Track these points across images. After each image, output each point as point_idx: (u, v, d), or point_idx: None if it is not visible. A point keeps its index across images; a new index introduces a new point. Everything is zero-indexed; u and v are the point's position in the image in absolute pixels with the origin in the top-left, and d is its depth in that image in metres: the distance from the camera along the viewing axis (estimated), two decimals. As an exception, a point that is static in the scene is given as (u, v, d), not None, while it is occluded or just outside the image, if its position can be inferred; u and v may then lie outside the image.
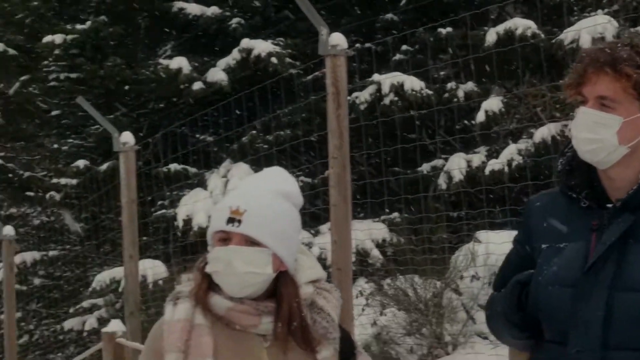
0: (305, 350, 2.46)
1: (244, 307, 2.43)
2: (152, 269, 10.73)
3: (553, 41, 10.09)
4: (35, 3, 14.31)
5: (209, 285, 2.46)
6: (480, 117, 10.58)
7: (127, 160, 7.62)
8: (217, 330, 2.45)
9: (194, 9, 13.22)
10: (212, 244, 2.47)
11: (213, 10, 13.15)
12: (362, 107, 10.92)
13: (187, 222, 11.09)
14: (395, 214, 11.19)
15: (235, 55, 12.30)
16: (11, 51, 15.30)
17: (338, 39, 4.97)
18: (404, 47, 12.10)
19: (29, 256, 14.36)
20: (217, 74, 12.42)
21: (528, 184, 7.65)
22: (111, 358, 6.83)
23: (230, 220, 2.40)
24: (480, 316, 8.77)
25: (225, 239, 2.42)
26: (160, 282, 10.93)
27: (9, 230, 10.86)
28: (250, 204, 2.44)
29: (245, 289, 2.42)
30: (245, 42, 12.18)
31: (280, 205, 2.49)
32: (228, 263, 2.39)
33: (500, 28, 10.87)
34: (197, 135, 12.77)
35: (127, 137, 7.77)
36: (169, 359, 2.42)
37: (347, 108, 4.95)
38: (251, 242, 2.42)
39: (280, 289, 2.46)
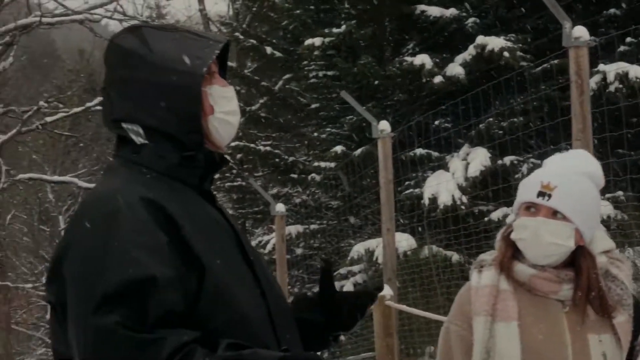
0: (602, 316, 2.44)
1: (546, 274, 2.44)
2: (407, 241, 11.15)
3: None
4: (298, 12, 15.10)
5: (512, 253, 2.50)
6: None
7: (385, 146, 7.94)
8: (520, 295, 2.46)
9: (434, 11, 13.50)
10: (518, 213, 2.52)
11: (451, 11, 13.40)
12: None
13: (433, 200, 11.42)
14: (620, 192, 11.11)
15: (471, 51, 12.48)
16: (277, 54, 16.26)
17: (580, 32, 4.96)
18: (628, 39, 11.93)
19: (294, 229, 15.18)
20: (455, 69, 12.66)
21: None
22: (381, 317, 7.22)
23: (541, 194, 2.42)
24: None
25: (532, 209, 2.47)
26: (409, 252, 11.37)
27: (280, 207, 11.53)
28: (560, 181, 2.44)
29: (548, 258, 2.43)
30: (480, 39, 12.34)
31: (586, 185, 2.48)
32: (535, 232, 2.41)
33: None
34: (438, 123, 13.07)
35: (384, 125, 8.10)
36: (477, 321, 2.45)
37: (589, 95, 5.00)
38: (557, 215, 2.43)
39: (580, 260, 2.44)
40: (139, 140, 1.94)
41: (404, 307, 7.15)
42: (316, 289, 2.20)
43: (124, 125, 1.96)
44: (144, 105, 1.92)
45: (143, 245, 1.73)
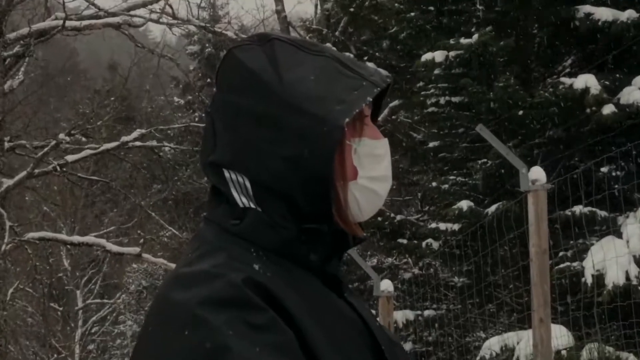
0: None
1: None
2: (561, 337, 11.00)
3: None
4: (412, 14, 15.30)
5: None
6: None
7: (538, 201, 7.86)
8: None
9: (603, 13, 13.45)
10: None
11: (629, 13, 13.32)
12: None
13: (598, 278, 11.31)
14: None
15: (658, 69, 12.46)
16: (382, 72, 16.44)
17: None
18: None
19: (401, 315, 15.20)
20: (633, 94, 12.59)
21: None
22: None
23: None
24: None
25: None
26: (564, 352, 11.25)
27: (386, 285, 11.33)
28: None
29: None
30: (672, 53, 12.29)
31: None
32: None
33: None
34: (607, 170, 13.00)
35: (538, 174, 8.06)
36: None
37: None
38: None
39: None
40: (242, 201, 1.94)
41: None
42: None
43: (226, 173, 1.96)
44: (256, 150, 1.92)
45: (267, 343, 1.71)
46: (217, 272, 1.78)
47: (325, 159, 1.88)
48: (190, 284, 1.78)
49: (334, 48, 2.07)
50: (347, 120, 1.89)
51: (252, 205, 1.92)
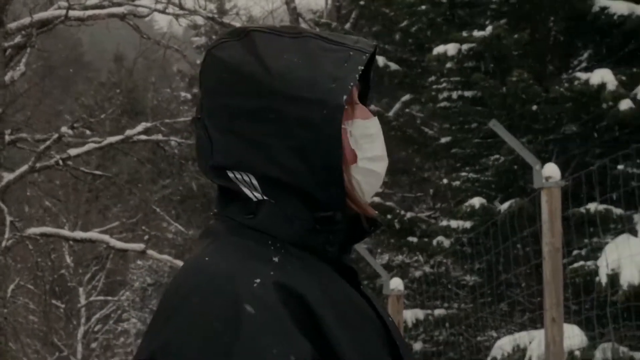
0: None
1: None
2: (575, 337, 10.98)
3: None
4: (424, 7, 15.36)
5: None
6: None
7: (551, 199, 7.83)
8: None
9: (619, 7, 13.44)
10: None
11: (644, 8, 13.38)
12: None
13: (613, 278, 11.30)
14: None
15: (675, 64, 12.47)
16: (393, 66, 16.49)
17: None
18: None
19: (411, 315, 15.20)
20: (651, 90, 12.62)
21: None
22: None
23: None
24: None
25: None
26: (577, 352, 11.25)
27: (397, 283, 11.23)
28: None
29: None
30: None
31: None
32: None
33: None
34: (623, 167, 12.99)
35: (552, 171, 8.03)
36: None
37: None
38: None
39: None
40: (254, 195, 1.94)
41: None
42: None
43: (231, 174, 1.96)
44: (259, 147, 1.91)
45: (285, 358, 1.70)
46: (239, 274, 1.78)
47: (332, 143, 1.89)
48: (210, 285, 1.77)
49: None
50: (346, 96, 1.89)
51: (266, 198, 1.92)
